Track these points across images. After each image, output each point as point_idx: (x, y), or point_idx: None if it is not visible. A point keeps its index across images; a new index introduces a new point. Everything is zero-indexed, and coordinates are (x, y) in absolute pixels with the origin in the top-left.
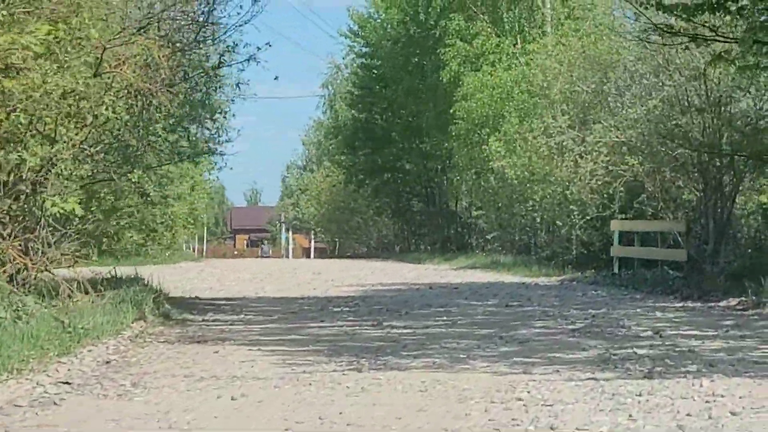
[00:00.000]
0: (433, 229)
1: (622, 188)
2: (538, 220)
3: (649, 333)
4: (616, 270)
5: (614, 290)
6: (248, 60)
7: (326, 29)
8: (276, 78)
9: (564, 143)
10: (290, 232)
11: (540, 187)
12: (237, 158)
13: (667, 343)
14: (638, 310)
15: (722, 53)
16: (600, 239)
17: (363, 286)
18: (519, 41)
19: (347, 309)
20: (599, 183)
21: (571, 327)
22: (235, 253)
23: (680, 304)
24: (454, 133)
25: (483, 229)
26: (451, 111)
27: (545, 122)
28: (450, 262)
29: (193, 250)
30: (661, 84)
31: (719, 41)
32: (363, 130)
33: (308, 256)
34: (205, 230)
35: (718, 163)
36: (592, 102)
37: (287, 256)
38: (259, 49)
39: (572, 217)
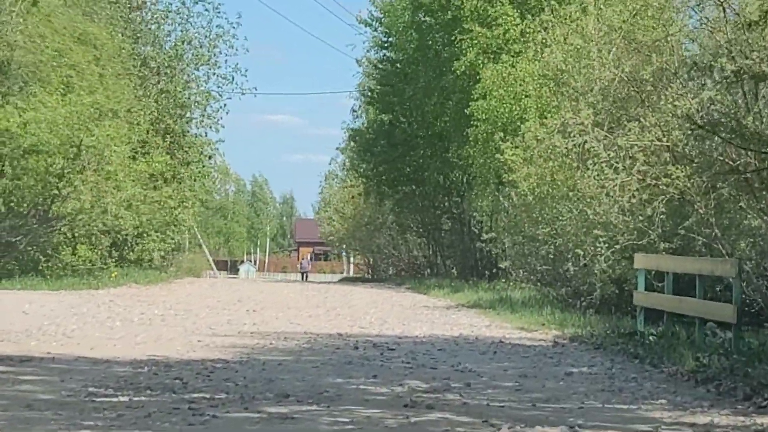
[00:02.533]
0: (462, 251)
1: (663, 209)
2: (562, 248)
3: None
4: (639, 326)
5: (622, 365)
6: None
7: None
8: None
9: (586, 146)
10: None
11: (561, 204)
12: (311, 168)
13: None
14: (620, 427)
15: None
16: (635, 276)
17: (269, 337)
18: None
19: (124, 401)
20: (633, 201)
21: None
22: (297, 266)
23: (707, 420)
24: (471, 138)
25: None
26: (467, 111)
27: (563, 118)
28: (453, 296)
29: (255, 262)
30: (720, 68)
31: None
32: (384, 134)
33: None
34: (268, 241)
35: None
36: (628, 93)
37: (348, 273)
38: None
39: (598, 245)
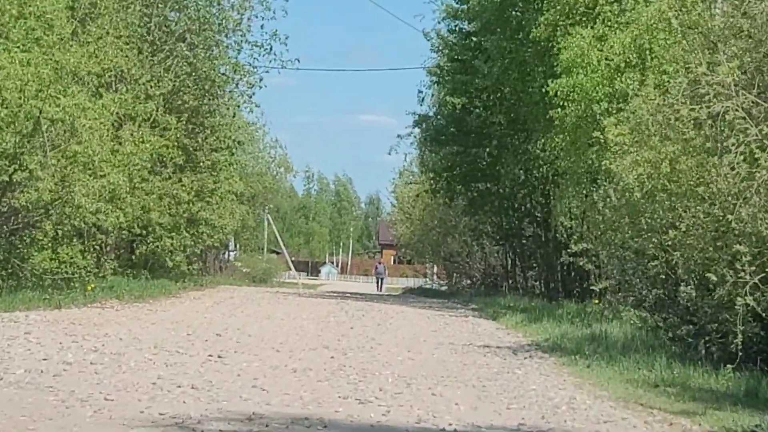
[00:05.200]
0: (546, 263)
1: None
2: (681, 265)
3: None
4: None
5: None
6: None
7: None
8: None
9: (727, 118)
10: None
11: (682, 205)
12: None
13: None
14: None
15: None
16: None
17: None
18: None
19: None
20: None
21: None
22: (373, 271)
23: None
24: (557, 123)
25: (596, 273)
26: (547, 90)
27: (693, 75)
28: (528, 328)
29: (337, 264)
30: None
31: None
32: (454, 120)
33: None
34: (351, 242)
35: None
36: None
37: (431, 279)
38: None
39: (740, 266)
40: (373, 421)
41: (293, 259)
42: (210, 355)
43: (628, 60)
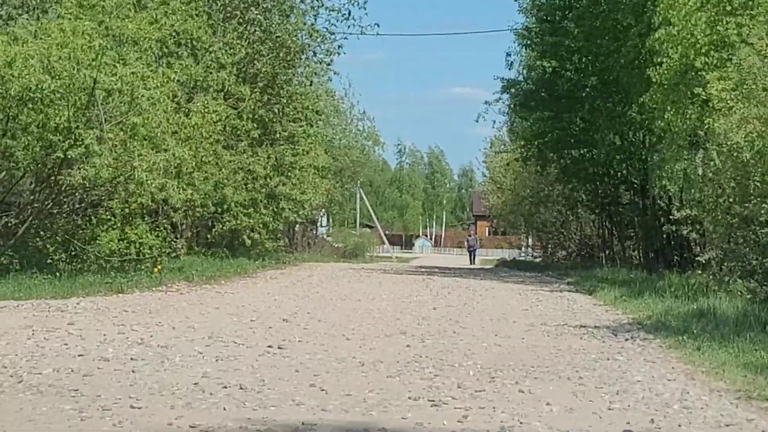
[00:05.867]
0: (644, 231)
1: None
2: None
3: None
4: None
5: None
6: None
7: None
8: None
9: None
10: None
11: None
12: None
13: None
14: None
15: None
16: None
17: None
18: None
19: None
20: None
21: None
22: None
23: None
24: (655, 81)
25: (700, 243)
26: (643, 50)
27: None
28: (627, 303)
29: (430, 237)
30: None
31: None
32: (544, 84)
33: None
34: (445, 214)
35: None
36: None
37: (525, 251)
38: None
39: None
40: (447, 430)
41: (387, 232)
42: (269, 346)
43: (731, 2)
